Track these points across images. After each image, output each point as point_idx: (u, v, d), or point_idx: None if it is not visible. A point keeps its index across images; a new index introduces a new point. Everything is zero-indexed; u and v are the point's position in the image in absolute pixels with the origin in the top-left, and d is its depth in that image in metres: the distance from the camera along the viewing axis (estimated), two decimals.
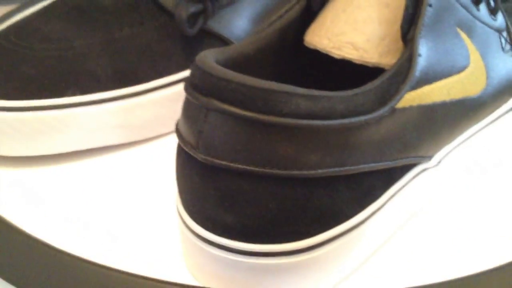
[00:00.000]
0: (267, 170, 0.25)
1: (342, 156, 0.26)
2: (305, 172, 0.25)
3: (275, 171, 0.25)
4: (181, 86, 0.38)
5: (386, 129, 0.28)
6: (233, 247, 0.27)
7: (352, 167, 0.27)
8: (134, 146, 0.40)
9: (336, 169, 0.26)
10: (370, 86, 0.28)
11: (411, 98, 0.29)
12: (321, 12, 0.35)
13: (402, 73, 0.29)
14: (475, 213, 0.34)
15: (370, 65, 0.32)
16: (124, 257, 0.31)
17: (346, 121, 0.26)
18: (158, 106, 0.39)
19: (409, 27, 0.31)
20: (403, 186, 0.31)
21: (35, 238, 0.30)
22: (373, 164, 0.28)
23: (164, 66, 0.39)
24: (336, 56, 0.33)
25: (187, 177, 0.27)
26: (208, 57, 0.26)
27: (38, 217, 0.33)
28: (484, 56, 0.36)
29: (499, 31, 0.39)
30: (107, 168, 0.38)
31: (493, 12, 0.39)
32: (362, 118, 0.26)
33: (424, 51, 0.30)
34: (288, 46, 0.34)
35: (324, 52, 0.33)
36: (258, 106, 0.24)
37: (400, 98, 0.28)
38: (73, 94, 0.36)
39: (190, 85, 0.25)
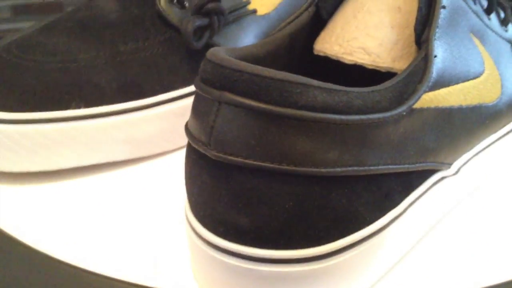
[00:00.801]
0: (283, 167, 0.23)
1: (360, 155, 0.25)
2: (323, 170, 0.24)
3: (292, 168, 0.24)
4: (186, 100, 0.37)
5: (404, 129, 0.27)
6: (246, 253, 0.25)
7: (371, 167, 0.25)
8: (138, 163, 0.38)
9: (355, 168, 0.25)
10: (387, 84, 0.27)
11: (429, 99, 0.28)
12: (330, 19, 0.34)
13: (419, 73, 0.28)
14: (495, 223, 0.33)
15: (382, 69, 0.32)
16: (131, 269, 0.29)
17: (364, 117, 0.25)
18: (164, 120, 0.38)
19: (423, 29, 0.30)
20: (423, 194, 0.30)
21: (39, 251, 0.28)
22: (392, 166, 0.26)
23: (170, 80, 0.38)
24: (347, 62, 0.32)
25: (197, 178, 0.25)
26: (219, 51, 0.25)
27: (41, 233, 0.32)
28: (497, 64, 0.35)
29: (510, 42, 0.39)
30: (111, 184, 0.36)
31: (503, 23, 0.38)
32: (380, 115, 0.25)
33: (440, 53, 0.29)
34: (298, 53, 0.33)
35: (334, 58, 0.33)
36: (272, 98, 0.23)
37: (418, 98, 0.27)
38: (77, 106, 0.35)
39: (201, 80, 0.24)
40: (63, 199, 0.35)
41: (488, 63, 0.34)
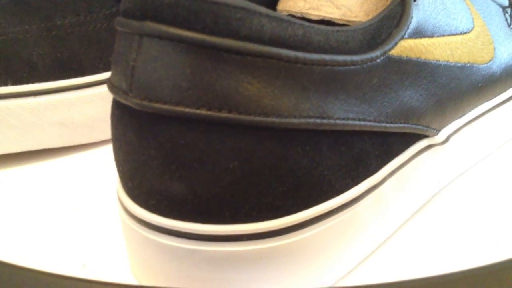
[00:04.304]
0: (224, 115, 0.18)
1: (323, 104, 0.20)
2: (275, 119, 0.19)
3: (235, 116, 0.19)
4: None
5: (379, 81, 0.22)
6: (184, 230, 0.20)
7: (337, 121, 0.20)
8: (77, 151, 0.33)
9: (317, 120, 0.20)
10: (355, 27, 0.22)
11: (409, 47, 0.23)
12: None
13: (395, 18, 0.23)
14: (487, 201, 0.27)
15: (354, 25, 0.27)
16: (61, 261, 0.24)
17: (326, 57, 0.20)
18: (107, 102, 0.33)
19: None
20: (406, 163, 0.25)
21: None
22: (364, 123, 0.21)
23: None
24: (314, 18, 0.27)
25: (121, 140, 0.20)
26: None
27: None
28: (488, 26, 0.30)
29: (502, 7, 0.34)
30: (44, 175, 0.31)
31: None
32: (347, 57, 0.20)
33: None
34: None
35: (299, 15, 0.28)
36: (206, 25, 0.18)
37: (395, 44, 0.22)
38: (4, 83, 0.30)
39: (121, 13, 0.20)
40: None
41: (478, 22, 0.29)
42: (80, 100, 0.32)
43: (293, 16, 0.28)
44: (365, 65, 0.21)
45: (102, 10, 0.34)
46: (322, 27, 0.21)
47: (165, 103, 0.19)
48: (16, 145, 0.31)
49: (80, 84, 0.32)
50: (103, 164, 0.32)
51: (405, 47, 0.23)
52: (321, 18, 0.27)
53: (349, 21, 0.27)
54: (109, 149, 0.33)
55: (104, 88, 0.33)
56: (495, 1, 0.34)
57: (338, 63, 0.20)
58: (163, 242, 0.20)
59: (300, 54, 0.19)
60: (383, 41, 0.23)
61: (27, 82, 0.31)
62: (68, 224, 0.27)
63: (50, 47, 0.31)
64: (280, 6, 0.29)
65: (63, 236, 0.26)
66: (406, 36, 0.23)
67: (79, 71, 0.32)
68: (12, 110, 0.30)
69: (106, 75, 0.33)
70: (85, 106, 0.32)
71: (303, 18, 0.28)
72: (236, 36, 0.18)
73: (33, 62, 0.31)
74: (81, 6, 0.34)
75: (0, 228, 0.27)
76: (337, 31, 0.21)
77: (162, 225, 0.20)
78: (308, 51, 0.20)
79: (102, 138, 0.34)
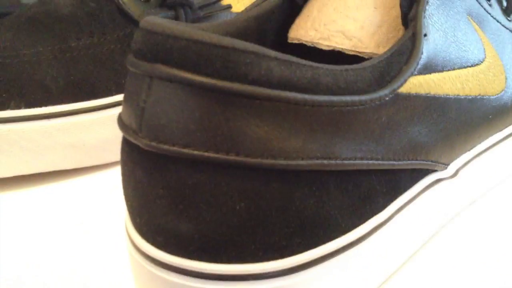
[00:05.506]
0: (232, 158, 0.19)
1: (331, 145, 0.20)
2: (282, 161, 0.19)
3: (242, 159, 0.19)
4: None
5: (388, 118, 0.22)
6: (191, 268, 0.20)
7: (344, 162, 0.21)
8: (90, 172, 0.33)
9: (324, 161, 0.20)
10: (365, 64, 0.22)
11: (418, 83, 0.23)
12: (306, 3, 0.29)
13: (405, 54, 0.23)
14: (498, 235, 0.27)
15: (365, 56, 0.27)
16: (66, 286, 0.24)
17: (334, 98, 0.20)
18: None
19: (410, 4, 0.25)
20: (413, 198, 0.25)
21: None
22: (372, 161, 0.22)
23: None
24: (324, 48, 0.27)
25: (131, 176, 0.20)
26: (156, 18, 0.20)
27: None
28: (500, 55, 0.30)
29: None
30: (58, 196, 0.31)
31: (506, 12, 0.34)
32: (355, 98, 0.20)
33: (431, 33, 0.24)
34: (268, 41, 0.29)
35: (310, 45, 0.28)
36: (215, 69, 0.18)
37: (404, 81, 0.22)
38: (17, 106, 0.30)
39: (133, 53, 0.20)
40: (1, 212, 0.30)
41: (489, 51, 0.29)
42: (92, 123, 0.32)
43: (303, 45, 0.28)
44: (373, 104, 0.21)
45: (115, 31, 0.34)
46: (331, 66, 0.21)
47: (173, 144, 0.19)
48: (28, 167, 0.32)
49: (93, 107, 0.32)
50: (114, 186, 0.32)
51: (415, 83, 0.23)
52: (331, 48, 0.27)
53: (359, 52, 0.27)
54: (120, 171, 0.34)
55: (116, 110, 0.33)
56: (507, 28, 0.34)
57: (347, 104, 0.20)
58: (170, 279, 0.21)
59: (308, 97, 0.19)
60: (392, 78, 0.23)
61: (40, 105, 0.31)
62: (78, 247, 0.27)
63: (64, 69, 0.32)
64: (292, 34, 0.29)
65: (71, 259, 0.27)
66: (415, 72, 0.23)
67: (92, 93, 0.32)
68: (25, 133, 0.31)
69: (119, 97, 0.33)
70: (97, 128, 0.33)
71: (314, 48, 0.28)
72: (245, 80, 0.18)
73: (47, 85, 0.31)
74: (95, 27, 0.34)
75: (8, 249, 0.27)
76: (346, 70, 0.21)
77: (169, 263, 0.20)
78: (316, 93, 0.20)
79: (114, 160, 0.34)
